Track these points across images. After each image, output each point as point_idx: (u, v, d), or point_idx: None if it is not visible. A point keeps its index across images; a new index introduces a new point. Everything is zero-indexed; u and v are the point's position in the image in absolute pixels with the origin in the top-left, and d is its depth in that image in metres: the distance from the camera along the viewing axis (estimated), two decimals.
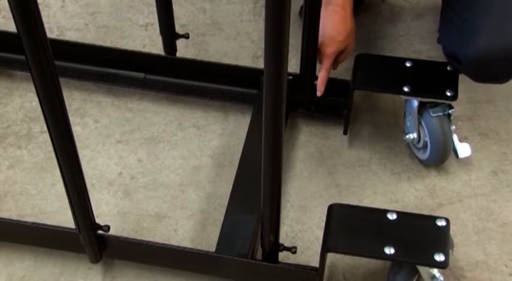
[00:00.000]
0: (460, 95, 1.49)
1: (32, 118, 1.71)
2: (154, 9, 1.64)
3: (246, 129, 1.59)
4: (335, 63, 1.58)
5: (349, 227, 1.30)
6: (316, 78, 1.63)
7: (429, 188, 1.58)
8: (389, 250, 1.25)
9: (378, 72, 1.56)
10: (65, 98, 1.10)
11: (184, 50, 1.80)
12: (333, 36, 1.52)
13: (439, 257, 1.24)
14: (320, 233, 1.32)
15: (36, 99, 1.08)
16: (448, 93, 1.48)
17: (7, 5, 0.95)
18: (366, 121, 1.70)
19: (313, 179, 1.60)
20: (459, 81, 1.50)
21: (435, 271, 1.29)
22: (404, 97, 1.53)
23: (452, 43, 1.50)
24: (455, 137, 1.55)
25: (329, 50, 1.53)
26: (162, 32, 1.68)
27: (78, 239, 1.35)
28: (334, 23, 1.52)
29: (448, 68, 1.53)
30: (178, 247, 1.40)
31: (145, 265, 1.44)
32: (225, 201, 1.46)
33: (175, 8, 1.64)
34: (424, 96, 1.50)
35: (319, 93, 1.57)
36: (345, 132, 1.64)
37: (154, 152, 1.64)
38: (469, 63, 1.44)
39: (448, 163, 1.61)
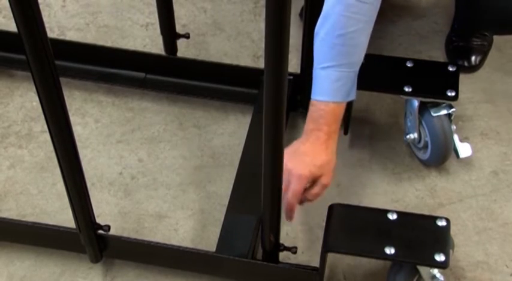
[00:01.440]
0: (460, 95, 1.49)
1: (32, 118, 1.71)
2: (155, 9, 1.64)
3: (247, 129, 1.59)
4: (304, 196, 1.34)
5: (349, 227, 1.30)
6: None
7: (430, 188, 1.58)
8: (390, 250, 1.25)
9: (379, 72, 1.56)
10: (66, 98, 1.10)
11: (184, 49, 1.80)
12: (309, 160, 1.31)
13: (440, 258, 1.24)
14: (321, 233, 1.32)
15: (37, 99, 1.08)
16: (449, 94, 1.48)
17: (8, 4, 0.95)
18: (366, 121, 1.70)
19: None
20: (460, 81, 1.50)
21: (435, 271, 1.29)
22: (405, 97, 1.53)
23: None
24: (455, 137, 1.55)
25: (303, 171, 1.30)
26: (162, 32, 1.68)
27: (78, 239, 1.35)
28: (314, 148, 1.32)
29: (449, 68, 1.53)
30: (179, 246, 1.40)
31: (145, 264, 1.44)
32: (226, 201, 1.46)
33: (175, 7, 1.64)
34: (425, 97, 1.50)
35: (290, 220, 1.35)
36: (345, 133, 1.64)
37: (155, 152, 1.64)
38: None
39: (449, 163, 1.61)
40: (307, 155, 1.32)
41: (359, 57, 1.33)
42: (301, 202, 1.36)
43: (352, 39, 1.29)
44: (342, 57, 1.30)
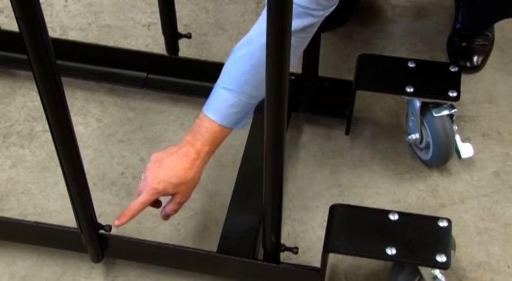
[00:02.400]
0: (462, 96, 1.49)
1: (34, 117, 1.71)
2: (156, 8, 1.64)
3: (248, 129, 1.59)
4: (160, 206, 1.34)
5: (351, 227, 1.30)
6: (318, 78, 1.63)
7: (431, 189, 1.58)
8: (391, 251, 1.25)
9: (380, 73, 1.56)
10: (68, 98, 1.10)
11: (186, 49, 1.80)
12: (166, 175, 1.28)
13: (441, 258, 1.23)
14: (322, 234, 1.32)
15: (39, 98, 1.08)
16: (451, 94, 1.48)
17: (10, 4, 0.95)
18: (368, 121, 1.69)
19: (315, 179, 1.60)
20: (461, 81, 1.50)
21: (437, 272, 1.29)
22: (406, 97, 1.53)
23: None
24: (457, 138, 1.55)
25: (156, 185, 1.28)
26: (164, 32, 1.68)
27: (80, 238, 1.35)
28: (179, 163, 1.28)
29: (451, 69, 1.53)
30: (180, 246, 1.40)
31: (147, 264, 1.45)
32: (227, 201, 1.46)
33: (177, 7, 1.64)
34: (426, 97, 1.50)
35: (116, 223, 1.30)
36: (347, 133, 1.64)
37: None
38: None
39: (451, 164, 1.61)
40: (166, 169, 1.28)
41: (263, 93, 1.29)
42: (164, 217, 1.34)
43: (264, 74, 1.26)
44: (247, 87, 1.26)
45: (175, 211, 1.34)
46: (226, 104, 1.28)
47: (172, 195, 1.32)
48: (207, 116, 1.29)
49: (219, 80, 1.30)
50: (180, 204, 1.33)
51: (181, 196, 1.31)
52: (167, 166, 1.29)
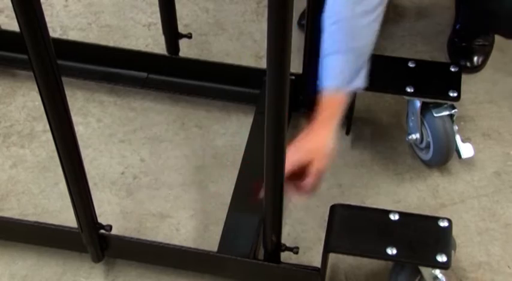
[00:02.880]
0: (462, 96, 1.49)
1: (34, 117, 1.71)
2: (157, 8, 1.64)
3: (249, 129, 1.59)
4: (294, 185, 1.30)
5: (351, 227, 1.30)
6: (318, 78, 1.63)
7: (432, 189, 1.58)
8: (392, 251, 1.25)
9: (381, 73, 1.56)
10: (68, 98, 1.10)
11: (187, 49, 1.80)
12: (299, 145, 1.28)
13: (441, 258, 1.23)
14: (322, 234, 1.32)
15: (39, 98, 1.08)
16: (451, 94, 1.48)
17: (10, 4, 0.95)
18: (368, 121, 1.70)
19: None
20: (462, 81, 1.50)
21: (437, 272, 1.29)
22: (407, 97, 1.53)
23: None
24: (458, 138, 1.55)
25: (290, 155, 1.20)
26: (164, 32, 1.68)
27: (80, 238, 1.35)
28: (309, 136, 1.29)
29: (451, 69, 1.53)
30: (181, 246, 1.40)
31: (147, 264, 1.45)
32: (228, 201, 1.46)
33: (178, 7, 1.64)
34: (427, 97, 1.50)
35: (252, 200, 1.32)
36: (347, 133, 1.64)
37: (157, 152, 1.64)
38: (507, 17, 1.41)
39: (451, 164, 1.61)
40: (298, 140, 1.30)
41: (360, 44, 1.29)
42: (306, 193, 1.31)
43: (353, 28, 1.26)
44: (336, 44, 1.27)
45: (315, 184, 1.29)
46: (328, 68, 1.30)
47: (308, 164, 1.27)
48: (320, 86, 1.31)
49: (320, 58, 1.31)
50: (318, 174, 1.28)
51: (317, 163, 1.27)
52: (299, 138, 1.30)
